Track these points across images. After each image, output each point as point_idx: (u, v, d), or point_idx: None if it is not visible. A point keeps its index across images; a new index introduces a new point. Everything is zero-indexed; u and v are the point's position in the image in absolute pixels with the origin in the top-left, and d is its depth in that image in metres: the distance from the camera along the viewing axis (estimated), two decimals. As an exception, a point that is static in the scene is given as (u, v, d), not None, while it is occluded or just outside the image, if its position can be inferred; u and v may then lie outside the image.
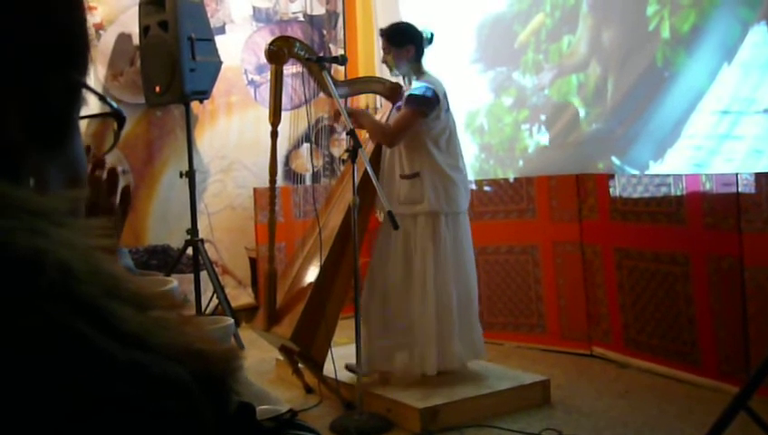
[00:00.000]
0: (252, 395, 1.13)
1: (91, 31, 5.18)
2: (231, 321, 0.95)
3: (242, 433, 1.09)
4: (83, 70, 0.53)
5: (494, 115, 4.95)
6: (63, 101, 0.51)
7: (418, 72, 3.77)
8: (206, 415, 0.42)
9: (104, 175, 1.14)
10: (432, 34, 3.85)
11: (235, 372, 0.47)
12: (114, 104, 0.57)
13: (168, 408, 0.40)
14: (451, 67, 4.80)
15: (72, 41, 0.51)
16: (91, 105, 0.54)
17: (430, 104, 3.62)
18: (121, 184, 1.16)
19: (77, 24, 0.52)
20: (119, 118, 0.58)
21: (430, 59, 3.89)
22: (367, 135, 3.95)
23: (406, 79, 3.82)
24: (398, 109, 3.78)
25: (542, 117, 4.64)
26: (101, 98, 0.55)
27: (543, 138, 4.65)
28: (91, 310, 0.41)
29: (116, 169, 1.16)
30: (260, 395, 1.12)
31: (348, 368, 3.71)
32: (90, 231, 0.45)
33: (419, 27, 3.85)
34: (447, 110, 3.74)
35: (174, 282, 0.90)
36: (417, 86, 3.67)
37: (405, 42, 3.74)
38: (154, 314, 0.45)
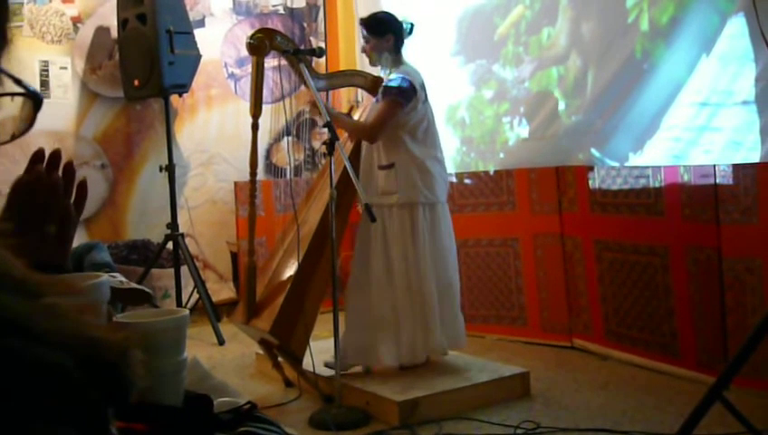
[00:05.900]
0: (210, 388, 1.11)
1: (69, 24, 5.14)
2: (186, 312, 0.94)
3: (198, 425, 1.07)
4: None
5: (474, 108, 4.95)
6: None
7: (397, 62, 3.75)
8: (89, 399, 0.42)
9: (59, 172, 1.11)
10: (412, 25, 3.84)
11: (129, 359, 0.46)
12: (31, 87, 0.56)
13: (41, 392, 0.40)
14: (431, 60, 4.79)
15: None
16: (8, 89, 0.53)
17: (407, 95, 3.60)
18: (78, 179, 1.14)
19: None
20: (35, 100, 0.57)
21: (411, 52, 3.88)
22: (347, 134, 3.94)
23: (384, 69, 3.80)
24: (378, 102, 3.77)
25: (522, 109, 4.64)
26: (17, 81, 0.54)
27: (524, 130, 4.65)
28: None
29: (72, 165, 1.14)
30: (219, 388, 1.11)
31: (327, 365, 3.69)
32: None
33: (399, 17, 3.84)
34: (425, 100, 3.73)
35: (103, 276, 0.88)
36: (392, 77, 3.66)
37: (384, 31, 3.72)
38: (44, 302, 0.44)
